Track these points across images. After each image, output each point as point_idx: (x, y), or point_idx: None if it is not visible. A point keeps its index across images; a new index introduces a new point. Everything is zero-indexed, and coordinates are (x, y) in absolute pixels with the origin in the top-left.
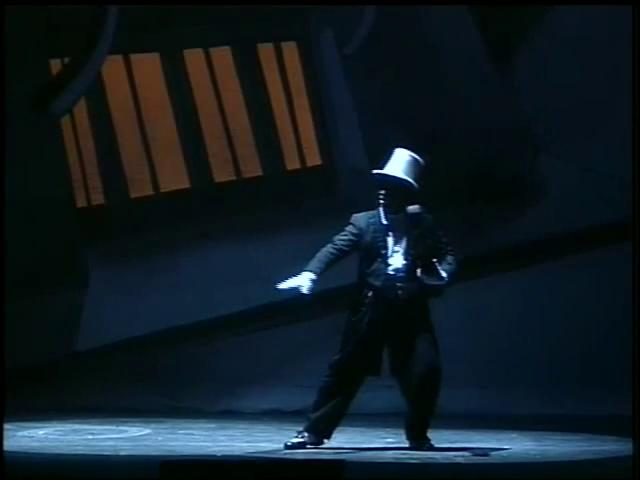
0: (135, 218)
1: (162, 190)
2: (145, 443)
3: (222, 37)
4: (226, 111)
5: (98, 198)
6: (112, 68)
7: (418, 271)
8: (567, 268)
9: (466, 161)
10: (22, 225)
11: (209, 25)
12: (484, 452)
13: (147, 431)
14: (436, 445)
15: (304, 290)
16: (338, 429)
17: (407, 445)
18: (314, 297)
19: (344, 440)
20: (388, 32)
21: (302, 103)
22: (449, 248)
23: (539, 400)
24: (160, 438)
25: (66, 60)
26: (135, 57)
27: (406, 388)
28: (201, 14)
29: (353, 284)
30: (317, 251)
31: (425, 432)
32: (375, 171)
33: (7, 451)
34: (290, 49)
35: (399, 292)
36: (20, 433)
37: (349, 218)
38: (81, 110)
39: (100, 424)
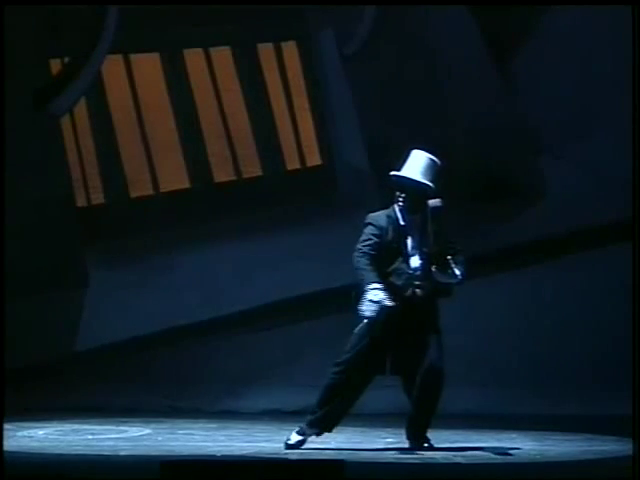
0: (135, 218)
1: (162, 190)
2: (145, 443)
3: (222, 37)
4: (226, 111)
5: (98, 198)
6: (112, 68)
7: (433, 268)
8: (567, 268)
9: (466, 161)
10: (22, 225)
11: (209, 25)
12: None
13: (147, 431)
14: (436, 445)
15: (388, 303)
16: (338, 429)
17: (407, 445)
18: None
19: (344, 440)
20: (388, 32)
21: (302, 103)
22: (458, 248)
23: (539, 400)
24: (160, 438)
25: (66, 60)
26: (135, 57)
27: (409, 387)
28: (201, 14)
29: (350, 285)
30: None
31: (425, 432)
32: (393, 173)
33: (7, 451)
34: (290, 49)
35: (417, 291)
36: (20, 433)
37: (352, 218)
38: (81, 110)
39: (100, 424)
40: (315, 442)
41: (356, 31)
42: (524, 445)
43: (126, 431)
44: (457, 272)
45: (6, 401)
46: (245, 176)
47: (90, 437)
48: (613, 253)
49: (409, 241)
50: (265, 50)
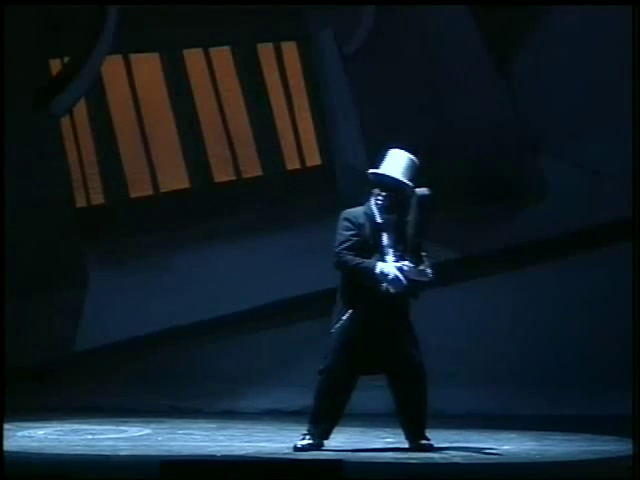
0: (135, 218)
1: (162, 190)
2: (145, 443)
3: (222, 37)
4: (226, 111)
5: (98, 198)
6: (112, 68)
7: (405, 267)
8: (567, 268)
9: (466, 161)
10: (22, 225)
11: (209, 25)
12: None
13: (147, 431)
14: (435, 445)
15: (405, 265)
16: (337, 429)
17: (407, 445)
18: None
19: (344, 440)
20: (388, 32)
21: (302, 103)
22: (424, 252)
23: (539, 400)
24: (160, 438)
25: (66, 60)
26: (135, 57)
27: (393, 385)
28: (201, 14)
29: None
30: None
31: (424, 431)
32: (372, 171)
33: (7, 451)
34: (290, 49)
35: (390, 287)
36: (20, 433)
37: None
38: (81, 110)
39: (100, 424)
40: None
41: (356, 31)
42: (523, 445)
43: (126, 431)
44: (428, 270)
45: (6, 401)
46: (245, 176)
47: (90, 437)
48: (613, 253)
49: (384, 238)
50: (265, 50)
